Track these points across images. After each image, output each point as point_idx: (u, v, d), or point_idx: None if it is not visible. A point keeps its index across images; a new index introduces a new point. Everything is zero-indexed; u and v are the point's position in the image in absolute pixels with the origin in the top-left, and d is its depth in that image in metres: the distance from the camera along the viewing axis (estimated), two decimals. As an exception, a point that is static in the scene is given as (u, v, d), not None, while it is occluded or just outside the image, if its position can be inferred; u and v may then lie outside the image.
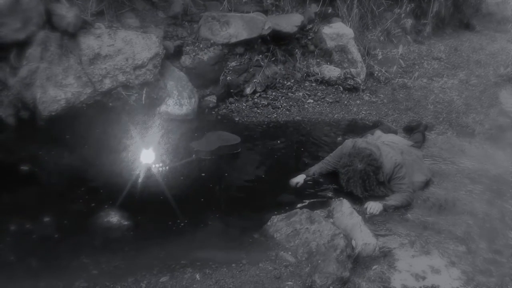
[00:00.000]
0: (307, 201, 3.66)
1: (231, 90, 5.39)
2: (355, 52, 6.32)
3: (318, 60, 6.27)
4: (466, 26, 9.28)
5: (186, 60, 5.06)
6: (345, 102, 5.84)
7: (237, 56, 5.46)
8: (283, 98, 5.67)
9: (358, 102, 5.89)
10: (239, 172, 4.13)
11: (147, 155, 4.02)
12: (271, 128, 5.04)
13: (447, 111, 5.74)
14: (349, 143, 3.94)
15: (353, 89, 6.05)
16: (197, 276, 2.62)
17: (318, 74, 6.04)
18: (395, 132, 4.85)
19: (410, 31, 7.89)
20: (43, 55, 4.05)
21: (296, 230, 3.02)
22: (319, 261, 2.77)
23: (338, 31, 6.33)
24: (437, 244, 3.24)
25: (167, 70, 4.86)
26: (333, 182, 3.94)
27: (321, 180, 4.01)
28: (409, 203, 3.71)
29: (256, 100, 5.51)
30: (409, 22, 7.80)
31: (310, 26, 6.33)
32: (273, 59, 5.86)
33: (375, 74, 6.47)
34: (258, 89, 5.61)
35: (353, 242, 3.00)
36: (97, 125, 4.29)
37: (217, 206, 3.55)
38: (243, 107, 5.36)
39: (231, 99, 5.39)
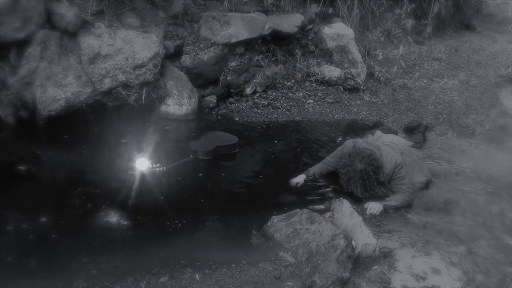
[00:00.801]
0: (307, 201, 3.64)
1: (231, 90, 5.39)
2: (355, 52, 6.32)
3: (318, 60, 6.27)
4: (466, 27, 9.30)
5: (186, 60, 5.05)
6: (346, 102, 5.84)
7: (237, 56, 5.45)
8: (283, 98, 5.66)
9: (358, 102, 5.89)
10: (239, 172, 4.12)
11: (146, 155, 4.01)
12: (271, 128, 5.03)
13: (447, 111, 5.74)
14: (349, 143, 3.94)
15: (354, 90, 6.05)
16: (197, 276, 2.61)
17: (318, 74, 6.04)
18: (395, 133, 4.84)
19: (411, 32, 7.90)
20: (43, 54, 4.04)
21: (296, 230, 3.01)
22: (319, 262, 2.76)
23: (338, 32, 6.33)
24: (437, 245, 3.23)
25: (167, 70, 4.86)
26: (333, 182, 3.94)
27: (321, 180, 4.00)
28: (409, 204, 3.70)
29: (256, 100, 5.50)
30: (409, 23, 7.81)
31: (311, 26, 6.33)
32: (273, 59, 5.86)
33: (376, 75, 6.47)
34: (258, 89, 5.60)
35: (353, 243, 2.99)
36: (97, 124, 4.29)
37: (217, 206, 3.54)
38: (243, 107, 5.35)
39: (231, 99, 5.39)
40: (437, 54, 7.67)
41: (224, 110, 5.25)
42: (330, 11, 6.68)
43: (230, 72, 5.36)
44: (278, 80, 5.82)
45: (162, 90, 4.74)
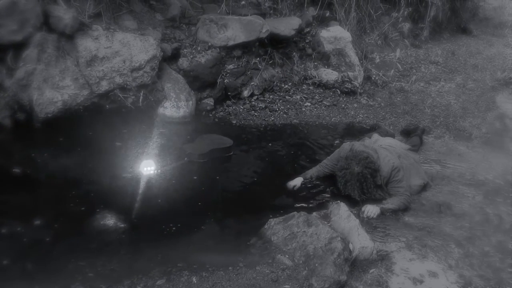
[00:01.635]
0: (304, 204, 3.64)
1: (229, 93, 5.39)
2: (352, 55, 6.34)
3: (315, 63, 6.28)
4: (463, 31, 9.34)
5: (183, 62, 5.05)
6: (343, 105, 5.85)
7: (235, 59, 5.46)
8: (280, 101, 5.67)
9: (355, 105, 5.90)
10: (236, 175, 4.12)
11: (143, 157, 4.00)
12: (269, 131, 5.03)
13: (444, 115, 5.75)
14: (346, 146, 3.94)
15: (351, 93, 6.07)
16: (194, 279, 2.61)
17: (315, 77, 6.05)
18: (392, 136, 4.85)
19: (408, 35, 7.93)
20: (40, 56, 4.04)
21: (293, 233, 3.01)
22: (316, 265, 2.76)
23: (335, 35, 6.35)
24: (434, 248, 3.23)
25: (164, 73, 4.85)
26: (330, 185, 3.94)
27: (318, 183, 4.00)
28: (406, 207, 3.70)
29: (253, 103, 5.51)
30: (406, 26, 7.83)
31: (308, 29, 6.34)
32: (270, 62, 5.87)
33: (373, 78, 6.49)
34: (256, 92, 5.61)
35: (351, 246, 2.99)
36: (94, 127, 4.28)
37: (214, 209, 3.53)
38: (241, 110, 5.35)
39: (228, 102, 5.39)
40: (434, 57, 7.70)
41: (222, 113, 5.24)
42: (328, 14, 6.69)
43: (228, 75, 5.36)
44: (275, 83, 5.83)
45: (159, 93, 4.74)
